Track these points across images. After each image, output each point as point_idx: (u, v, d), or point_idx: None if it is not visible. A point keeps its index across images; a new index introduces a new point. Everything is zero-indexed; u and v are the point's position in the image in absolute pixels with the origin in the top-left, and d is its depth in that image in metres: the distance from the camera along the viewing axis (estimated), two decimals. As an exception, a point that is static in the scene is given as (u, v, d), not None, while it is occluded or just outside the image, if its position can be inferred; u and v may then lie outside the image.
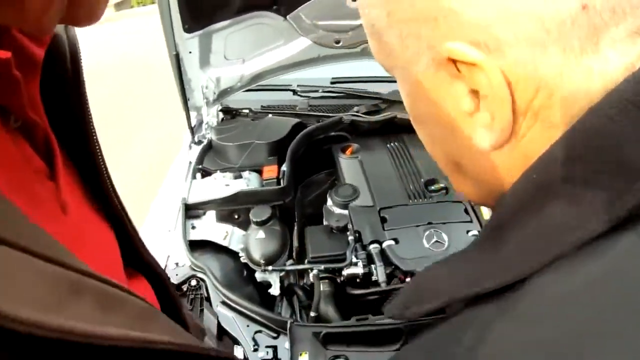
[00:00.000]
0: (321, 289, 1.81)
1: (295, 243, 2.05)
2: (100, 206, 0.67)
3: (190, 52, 2.20)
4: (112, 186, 0.68)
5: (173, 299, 0.88)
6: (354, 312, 1.81)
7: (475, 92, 0.43)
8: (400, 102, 2.58)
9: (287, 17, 2.16)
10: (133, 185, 4.48)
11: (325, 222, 2.11)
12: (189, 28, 2.09)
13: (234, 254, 1.97)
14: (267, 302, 1.91)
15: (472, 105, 0.44)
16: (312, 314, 1.76)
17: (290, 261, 1.98)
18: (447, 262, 0.55)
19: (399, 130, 2.43)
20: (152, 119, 5.86)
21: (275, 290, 1.89)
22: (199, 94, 2.33)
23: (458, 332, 0.42)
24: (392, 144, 2.36)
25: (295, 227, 2.15)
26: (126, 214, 0.72)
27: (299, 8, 2.14)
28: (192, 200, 2.07)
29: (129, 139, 5.53)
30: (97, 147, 0.64)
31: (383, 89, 2.68)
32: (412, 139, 2.36)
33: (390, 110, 2.53)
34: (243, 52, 2.32)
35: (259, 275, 1.89)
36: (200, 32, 2.13)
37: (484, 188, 0.53)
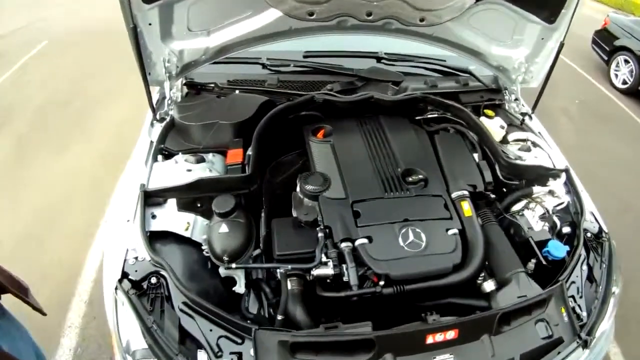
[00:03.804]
0: (289, 287, 1.64)
1: (263, 231, 1.84)
2: None
3: (150, 24, 1.90)
4: None
5: None
6: (324, 313, 1.64)
7: None
8: (378, 81, 2.37)
9: (256, -15, 1.87)
10: (97, 164, 4.13)
11: (293, 212, 1.91)
12: None
13: (197, 245, 1.76)
14: (234, 295, 1.73)
15: None
16: (279, 317, 1.59)
17: (258, 250, 1.79)
18: None
19: (375, 111, 2.19)
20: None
21: (240, 289, 1.71)
22: (160, 68, 2.04)
23: None
24: (367, 126, 2.12)
25: (263, 214, 1.94)
26: None
27: (269, -25, 1.84)
28: (152, 186, 1.83)
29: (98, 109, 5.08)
30: None
31: (359, 64, 2.42)
32: (390, 121, 2.14)
33: (367, 89, 2.28)
34: (208, 23, 2.01)
35: (222, 271, 1.69)
36: (160, 1, 1.82)
37: None
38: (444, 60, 2.50)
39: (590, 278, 1.74)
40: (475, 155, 2.07)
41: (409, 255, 1.61)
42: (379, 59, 2.44)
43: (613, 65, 7.05)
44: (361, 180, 1.84)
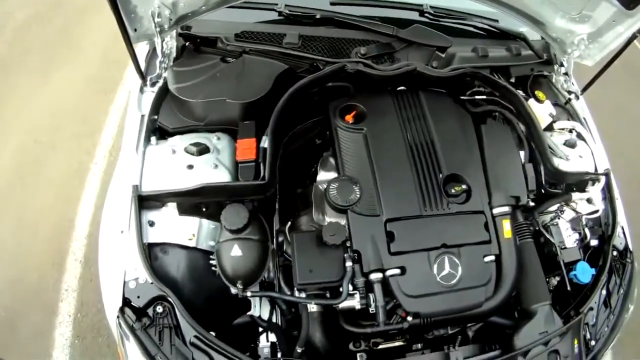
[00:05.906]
0: (309, 310, 1.46)
1: (276, 224, 1.64)
2: None
3: None
4: None
5: None
6: (345, 339, 1.51)
7: None
8: (421, 45, 1.88)
9: None
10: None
11: (314, 214, 1.62)
12: None
13: (204, 251, 1.51)
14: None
15: None
16: (299, 349, 1.42)
17: (272, 246, 1.56)
18: None
19: (416, 86, 1.79)
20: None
21: (255, 311, 1.51)
22: (149, 22, 1.52)
23: None
24: (405, 105, 1.73)
25: (277, 205, 1.68)
26: None
27: None
28: (146, 182, 1.50)
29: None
30: None
31: (398, 16, 1.91)
32: (432, 101, 1.75)
33: (407, 54, 1.84)
34: (211, -37, 1.48)
35: (234, 291, 1.47)
36: None
37: None
38: (497, 21, 2.00)
39: (606, 303, 1.66)
40: (522, 154, 1.77)
41: (442, 291, 1.43)
42: (422, 13, 1.92)
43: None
44: (398, 190, 1.53)
